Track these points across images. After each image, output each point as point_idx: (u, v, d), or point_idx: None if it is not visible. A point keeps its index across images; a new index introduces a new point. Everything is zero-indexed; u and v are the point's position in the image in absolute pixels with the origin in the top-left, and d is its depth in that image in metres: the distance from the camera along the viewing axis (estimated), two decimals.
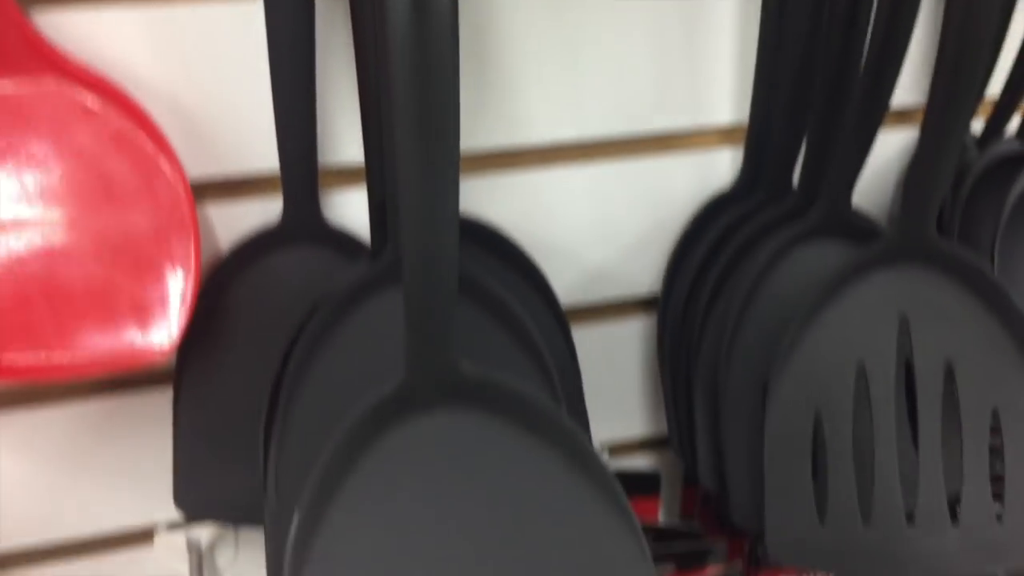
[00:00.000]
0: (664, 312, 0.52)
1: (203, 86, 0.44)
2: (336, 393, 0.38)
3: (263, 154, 0.45)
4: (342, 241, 0.47)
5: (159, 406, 0.49)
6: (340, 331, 0.40)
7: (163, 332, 0.42)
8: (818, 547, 0.43)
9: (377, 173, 0.41)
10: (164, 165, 0.41)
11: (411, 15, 0.27)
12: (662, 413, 0.57)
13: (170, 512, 0.51)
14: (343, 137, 0.46)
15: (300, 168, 0.45)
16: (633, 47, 0.49)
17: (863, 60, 0.44)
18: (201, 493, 0.47)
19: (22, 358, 0.42)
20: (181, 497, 0.46)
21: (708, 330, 0.49)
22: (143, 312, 0.42)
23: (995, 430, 0.45)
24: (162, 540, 0.51)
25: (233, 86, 0.44)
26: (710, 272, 0.49)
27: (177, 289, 0.42)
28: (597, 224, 0.52)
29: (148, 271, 0.42)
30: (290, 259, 0.47)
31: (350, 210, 0.48)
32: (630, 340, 0.56)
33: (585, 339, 0.55)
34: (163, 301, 0.42)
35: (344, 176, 0.48)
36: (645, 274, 0.54)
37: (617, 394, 0.57)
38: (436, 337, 0.33)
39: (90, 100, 0.40)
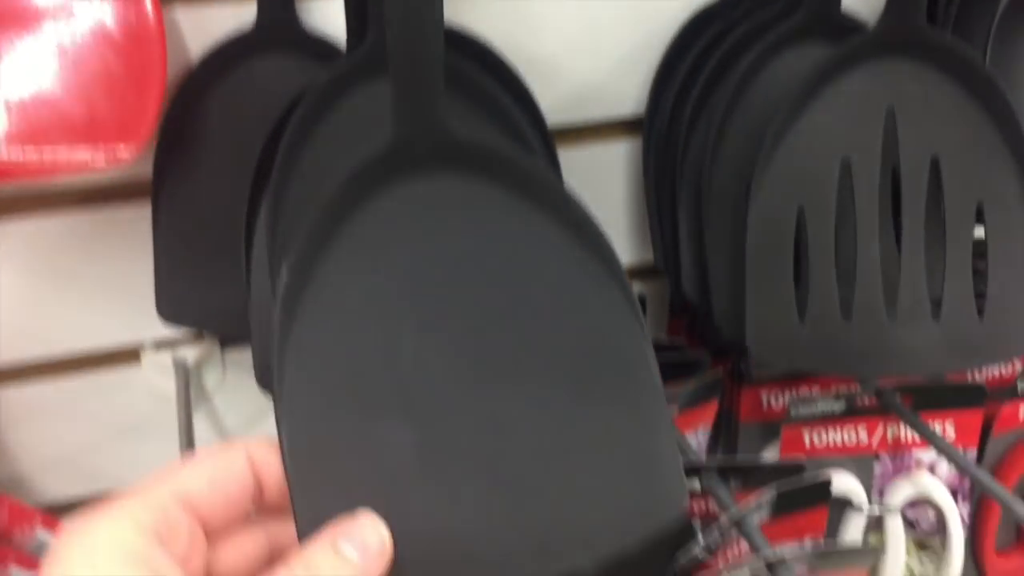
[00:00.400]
0: (650, 126, 0.52)
1: None
2: (323, 179, 0.37)
3: None
4: (319, 47, 0.46)
5: (146, 223, 0.48)
6: (323, 124, 0.39)
7: (127, 136, 0.41)
8: (799, 344, 0.43)
9: None
10: None
11: None
12: (648, 241, 0.57)
13: (158, 331, 0.51)
14: None
15: None
16: None
17: None
18: (182, 300, 0.47)
19: None
20: (162, 304, 0.47)
21: (693, 139, 0.48)
22: (108, 115, 0.41)
23: (980, 256, 0.45)
24: (149, 358, 0.51)
25: None
26: (696, 82, 0.48)
27: (142, 91, 0.41)
28: (583, 38, 0.51)
29: (112, 74, 0.41)
30: (266, 66, 0.46)
31: (326, 16, 0.47)
32: (616, 163, 0.55)
33: (569, 162, 0.54)
34: (128, 106, 0.41)
35: None
36: (632, 93, 0.53)
37: (602, 220, 0.56)
38: (424, 93, 0.32)
39: None
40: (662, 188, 0.51)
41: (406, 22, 0.30)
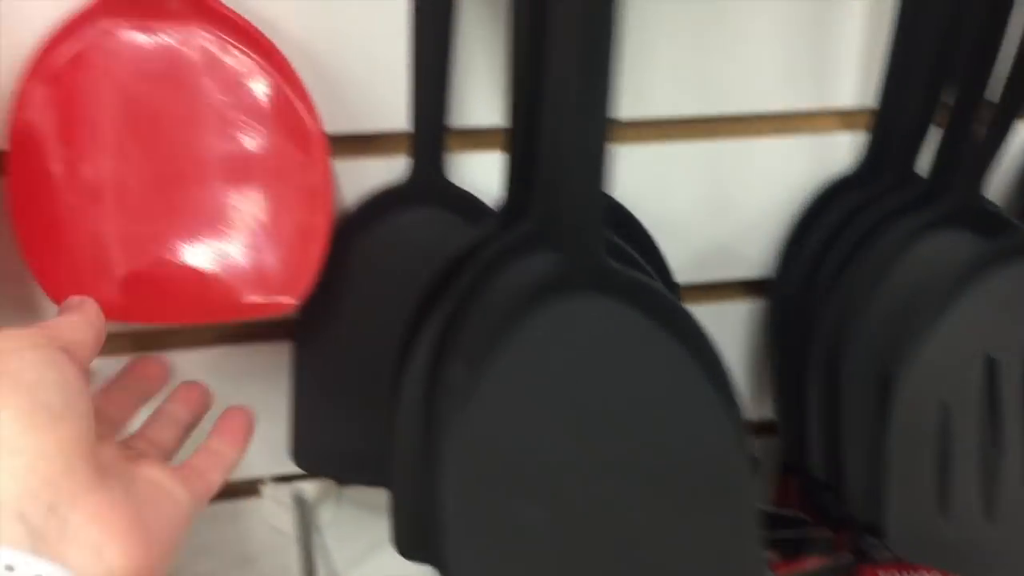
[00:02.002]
0: (778, 295, 0.52)
1: (338, 38, 0.44)
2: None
3: (392, 112, 0.45)
4: (464, 202, 0.47)
5: (271, 360, 0.49)
6: (485, 292, 0.41)
7: (291, 286, 0.43)
8: (940, 542, 0.42)
9: (521, 129, 0.41)
10: (307, 121, 0.41)
11: None
12: (762, 399, 0.57)
13: (276, 466, 0.51)
14: (470, 100, 0.46)
15: (430, 128, 0.45)
16: (761, 27, 0.48)
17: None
18: (318, 450, 0.47)
19: (147, 304, 0.42)
20: (299, 453, 0.47)
21: (826, 317, 0.48)
22: (272, 263, 0.42)
23: None
24: (269, 493, 0.52)
25: (369, 40, 0.44)
26: (830, 256, 0.48)
27: (308, 243, 0.42)
28: (712, 201, 0.52)
29: (281, 223, 0.42)
30: (412, 218, 0.47)
31: (472, 172, 0.48)
32: (737, 322, 0.55)
33: None
34: (293, 254, 0.42)
35: (468, 138, 0.48)
36: (756, 256, 0.54)
37: None
38: (588, 229, 0.38)
39: (237, 48, 0.41)
40: (788, 361, 0.51)
41: (581, 170, 0.36)
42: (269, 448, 0.50)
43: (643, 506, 0.38)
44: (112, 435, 0.38)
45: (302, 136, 0.42)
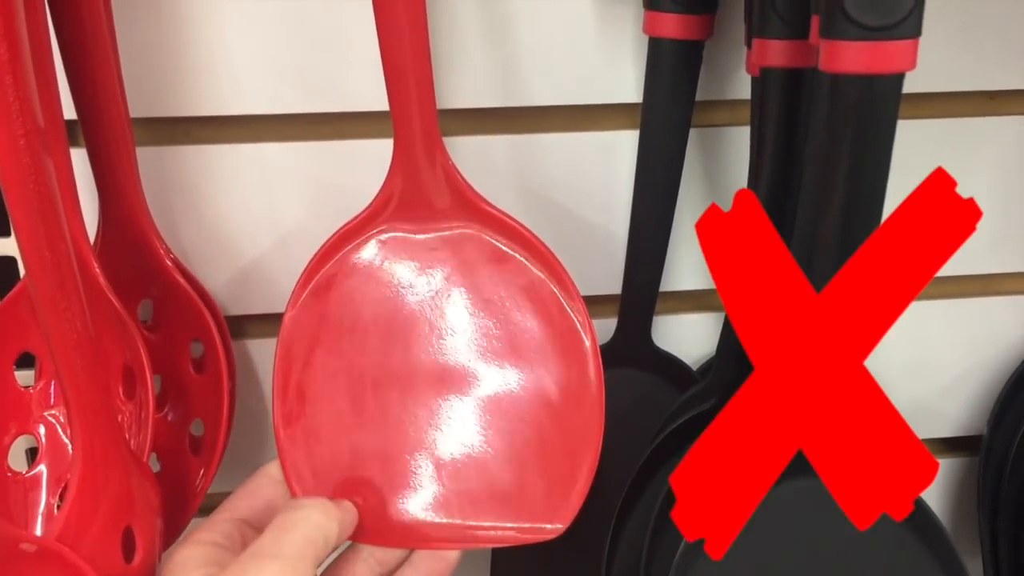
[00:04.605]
0: (987, 454, 0.50)
1: (558, 209, 0.45)
2: None
3: (603, 276, 0.46)
4: (668, 365, 0.47)
5: None
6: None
7: (559, 510, 0.38)
8: None
9: None
10: (576, 321, 0.39)
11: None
12: (973, 559, 0.55)
13: None
14: (679, 264, 0.47)
15: (642, 294, 0.45)
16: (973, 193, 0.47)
17: None
18: None
19: (401, 528, 0.39)
20: None
21: None
22: (537, 486, 0.38)
23: None
24: None
25: (586, 211, 0.45)
26: None
27: (579, 461, 0.38)
28: (917, 358, 0.51)
29: (552, 440, 0.39)
30: (616, 379, 0.47)
31: (675, 335, 0.48)
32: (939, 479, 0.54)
33: None
34: (562, 474, 0.38)
35: (673, 301, 0.48)
36: (958, 415, 0.52)
37: None
38: None
39: (506, 247, 0.39)
40: (998, 521, 0.49)
41: None
42: None
43: None
44: None
45: (572, 339, 0.39)
